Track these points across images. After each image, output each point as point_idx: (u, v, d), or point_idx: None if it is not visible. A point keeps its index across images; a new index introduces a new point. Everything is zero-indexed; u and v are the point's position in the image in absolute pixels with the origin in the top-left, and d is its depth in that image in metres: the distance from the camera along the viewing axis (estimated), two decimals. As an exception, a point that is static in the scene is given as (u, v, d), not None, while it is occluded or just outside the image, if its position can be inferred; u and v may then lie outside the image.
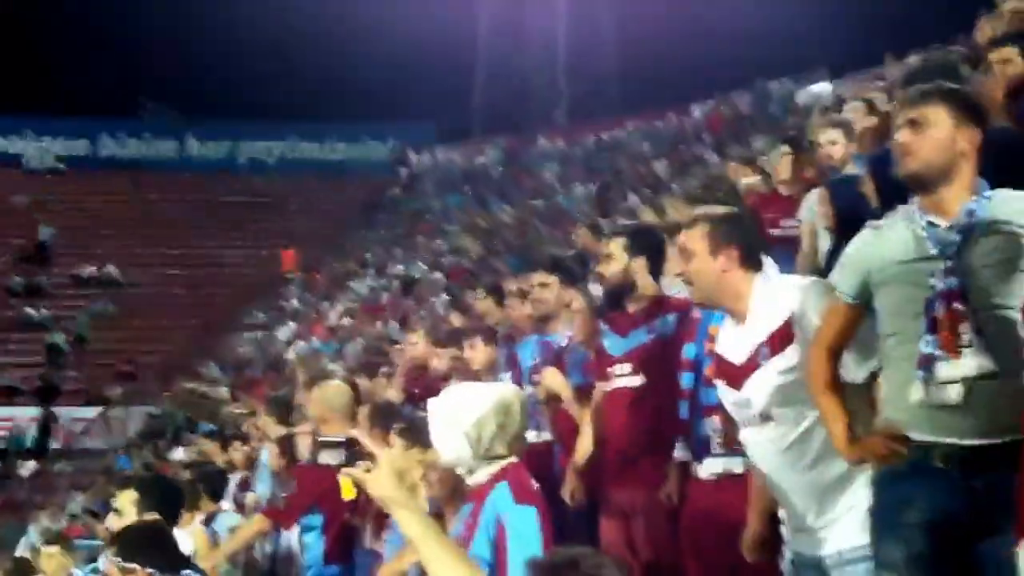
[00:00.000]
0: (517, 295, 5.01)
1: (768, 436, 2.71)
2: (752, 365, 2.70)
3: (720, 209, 2.93)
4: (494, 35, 27.33)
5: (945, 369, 2.30)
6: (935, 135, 2.38)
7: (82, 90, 26.52)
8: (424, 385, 5.67)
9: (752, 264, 2.76)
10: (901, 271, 2.38)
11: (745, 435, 2.78)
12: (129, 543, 2.80)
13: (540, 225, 15.67)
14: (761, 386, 2.68)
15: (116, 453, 15.56)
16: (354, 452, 2.09)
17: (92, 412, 18.95)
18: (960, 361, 2.28)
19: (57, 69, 26.93)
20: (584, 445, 3.79)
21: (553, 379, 4.03)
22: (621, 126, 21.14)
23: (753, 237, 2.84)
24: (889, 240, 2.42)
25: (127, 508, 3.46)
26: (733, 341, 2.76)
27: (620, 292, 3.65)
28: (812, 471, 2.62)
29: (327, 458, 2.11)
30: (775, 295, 2.72)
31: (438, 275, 15.14)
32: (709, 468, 3.27)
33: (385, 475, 2.06)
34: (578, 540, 3.38)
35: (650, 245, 3.71)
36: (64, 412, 19.02)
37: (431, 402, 2.64)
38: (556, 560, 1.62)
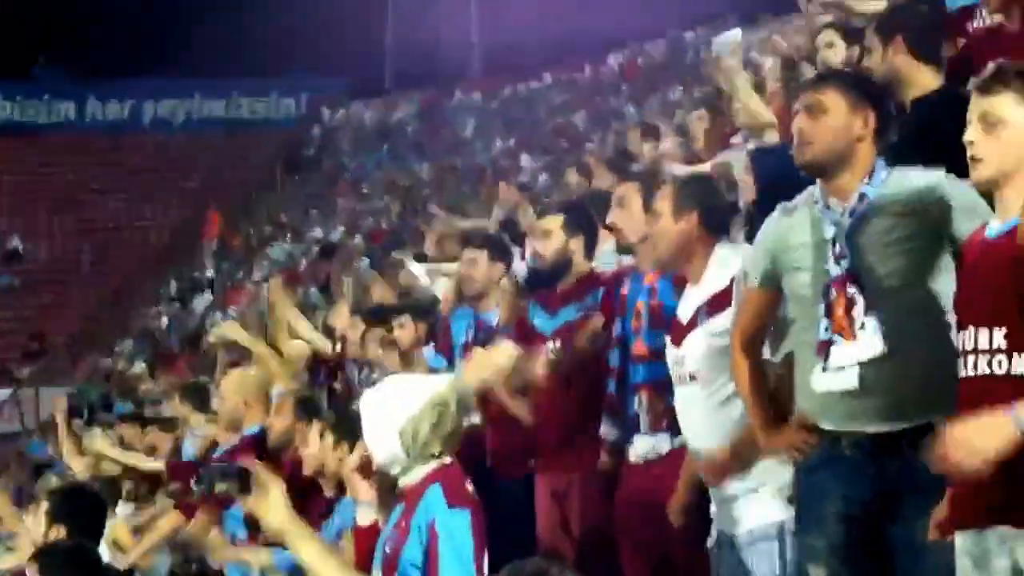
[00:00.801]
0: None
1: (694, 396, 2.75)
2: (692, 324, 2.76)
3: (685, 170, 2.96)
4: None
5: (841, 354, 2.27)
6: (831, 122, 2.36)
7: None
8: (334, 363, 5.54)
9: (712, 228, 2.79)
10: (802, 256, 2.38)
11: (676, 393, 2.82)
12: (46, 564, 2.68)
13: (460, 182, 15.49)
14: (694, 345, 2.74)
15: (29, 436, 14.97)
16: (247, 481, 2.03)
17: (1, 393, 18.20)
18: (855, 345, 2.25)
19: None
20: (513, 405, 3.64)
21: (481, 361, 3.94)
22: (539, 78, 20.95)
23: (715, 201, 2.86)
24: (793, 224, 2.42)
25: (39, 522, 3.30)
26: (685, 301, 2.82)
27: (557, 271, 3.59)
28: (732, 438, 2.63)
29: (222, 487, 2.04)
30: (727, 259, 2.75)
31: (357, 238, 14.86)
32: (638, 447, 3.26)
33: (277, 504, 1.99)
34: (512, 519, 3.37)
35: (587, 222, 3.65)
36: (-31, 394, 18.24)
37: (364, 396, 2.54)
38: (529, 570, 1.60)
